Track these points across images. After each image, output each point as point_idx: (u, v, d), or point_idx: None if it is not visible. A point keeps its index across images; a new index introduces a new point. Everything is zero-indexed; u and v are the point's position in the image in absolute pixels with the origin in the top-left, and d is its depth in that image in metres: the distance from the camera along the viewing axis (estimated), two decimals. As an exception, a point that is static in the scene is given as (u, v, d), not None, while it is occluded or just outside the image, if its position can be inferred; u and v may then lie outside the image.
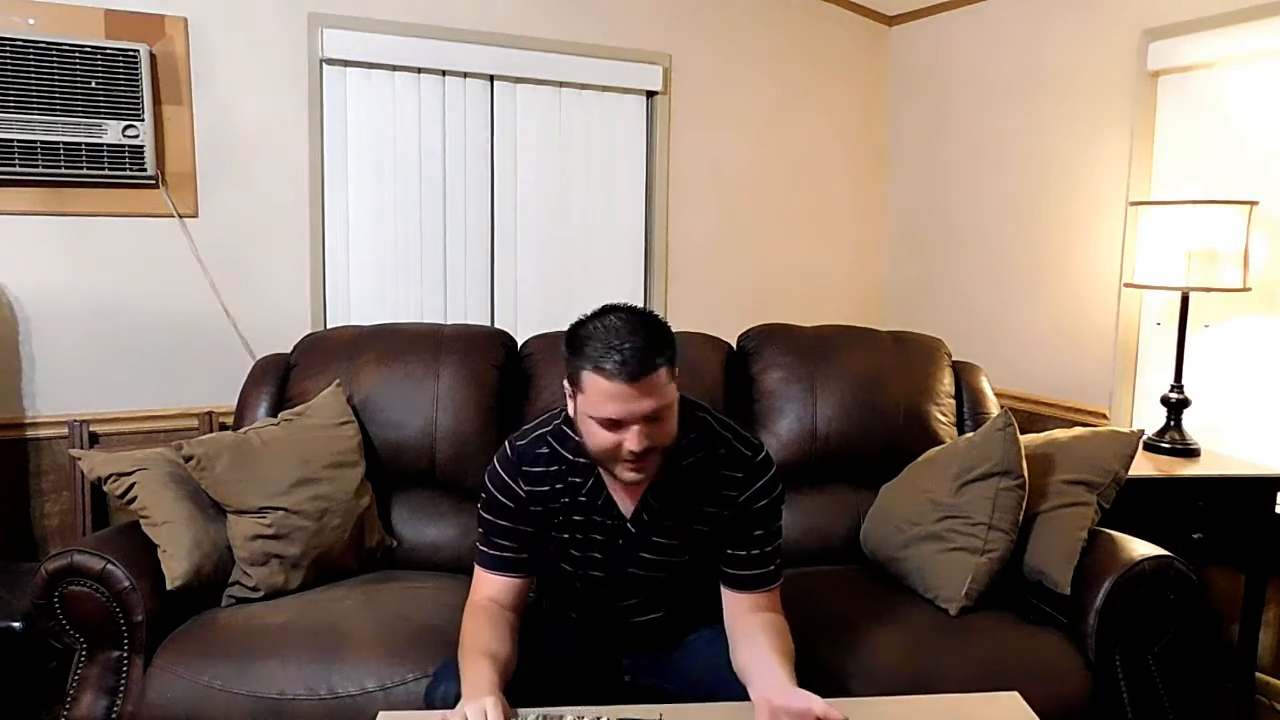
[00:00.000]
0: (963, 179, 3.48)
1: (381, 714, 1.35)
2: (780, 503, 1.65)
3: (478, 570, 1.64)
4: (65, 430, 2.68)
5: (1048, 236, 3.15)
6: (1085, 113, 3.01)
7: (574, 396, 1.50)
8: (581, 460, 1.58)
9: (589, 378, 1.43)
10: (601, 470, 1.58)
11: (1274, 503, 2.48)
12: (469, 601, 1.61)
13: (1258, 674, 2.62)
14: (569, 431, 1.59)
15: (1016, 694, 1.39)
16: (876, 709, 1.41)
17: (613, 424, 1.44)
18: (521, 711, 1.37)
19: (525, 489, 1.60)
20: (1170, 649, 1.95)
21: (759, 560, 1.62)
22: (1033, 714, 1.35)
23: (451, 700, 1.42)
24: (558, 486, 1.60)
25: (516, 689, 1.43)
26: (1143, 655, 1.93)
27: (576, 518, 1.61)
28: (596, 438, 1.47)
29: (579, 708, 1.41)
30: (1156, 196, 2.83)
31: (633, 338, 1.42)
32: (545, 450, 1.61)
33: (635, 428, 1.43)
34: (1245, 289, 2.51)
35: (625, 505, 1.61)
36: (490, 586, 1.61)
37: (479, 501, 1.65)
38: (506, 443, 1.65)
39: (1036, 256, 3.19)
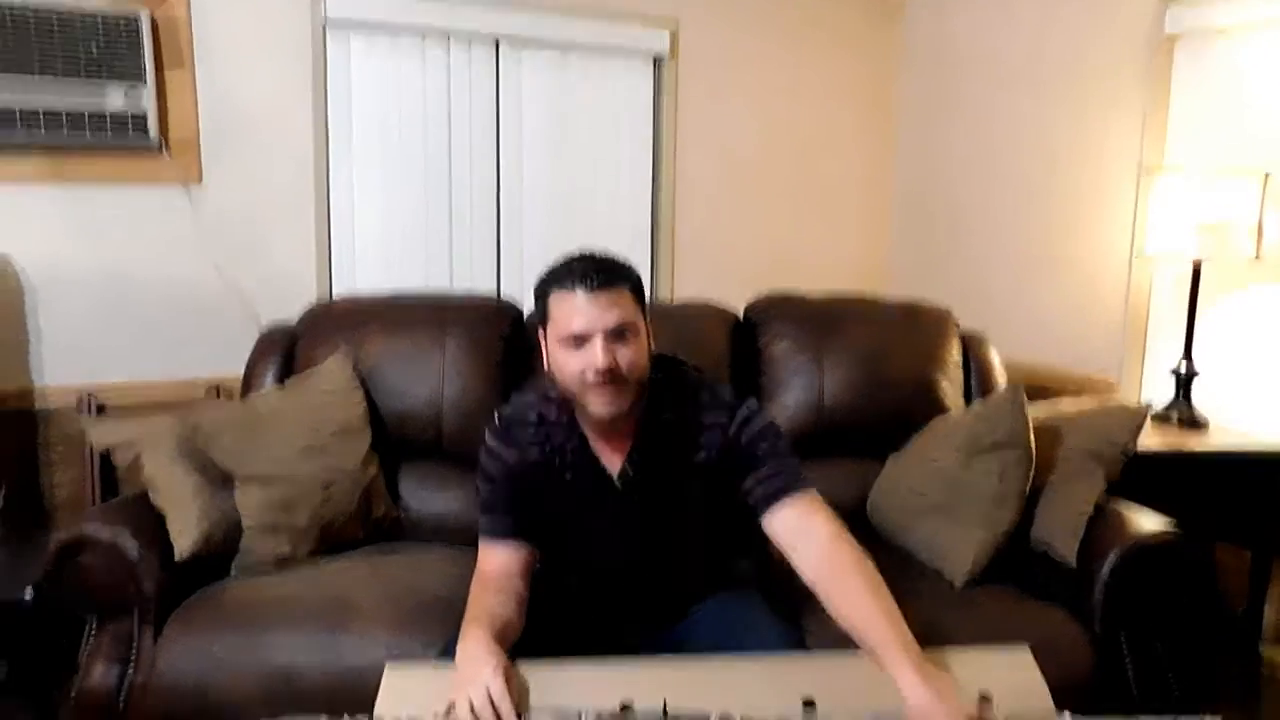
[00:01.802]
0: (972, 147, 3.44)
1: (388, 666, 1.36)
2: (775, 426, 1.63)
3: (481, 543, 1.65)
4: (73, 401, 2.69)
5: (1058, 206, 3.11)
6: (1099, 79, 2.96)
7: (544, 338, 1.55)
8: (565, 419, 1.60)
9: (555, 299, 1.50)
10: (584, 426, 1.59)
11: (1281, 476, 2.47)
12: (475, 575, 1.62)
13: (1262, 648, 2.63)
14: (552, 393, 1.62)
15: (1026, 647, 1.40)
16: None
17: (579, 341, 1.47)
18: (528, 669, 1.37)
19: (516, 455, 1.62)
20: (1175, 623, 1.96)
21: (779, 472, 1.57)
22: (1038, 670, 1.36)
23: None
24: (547, 450, 1.62)
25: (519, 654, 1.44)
26: (1148, 629, 1.93)
27: (566, 478, 1.63)
28: (567, 365, 1.49)
29: (588, 664, 1.42)
30: (1170, 165, 2.79)
31: (593, 260, 1.51)
32: (532, 415, 1.63)
33: (599, 341, 1.45)
34: (1258, 259, 2.48)
35: (611, 463, 1.61)
36: (494, 558, 1.63)
37: (477, 477, 1.67)
38: (495, 413, 1.68)
39: (1047, 226, 3.16)
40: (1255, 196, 2.46)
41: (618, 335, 1.47)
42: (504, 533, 1.63)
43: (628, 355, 1.48)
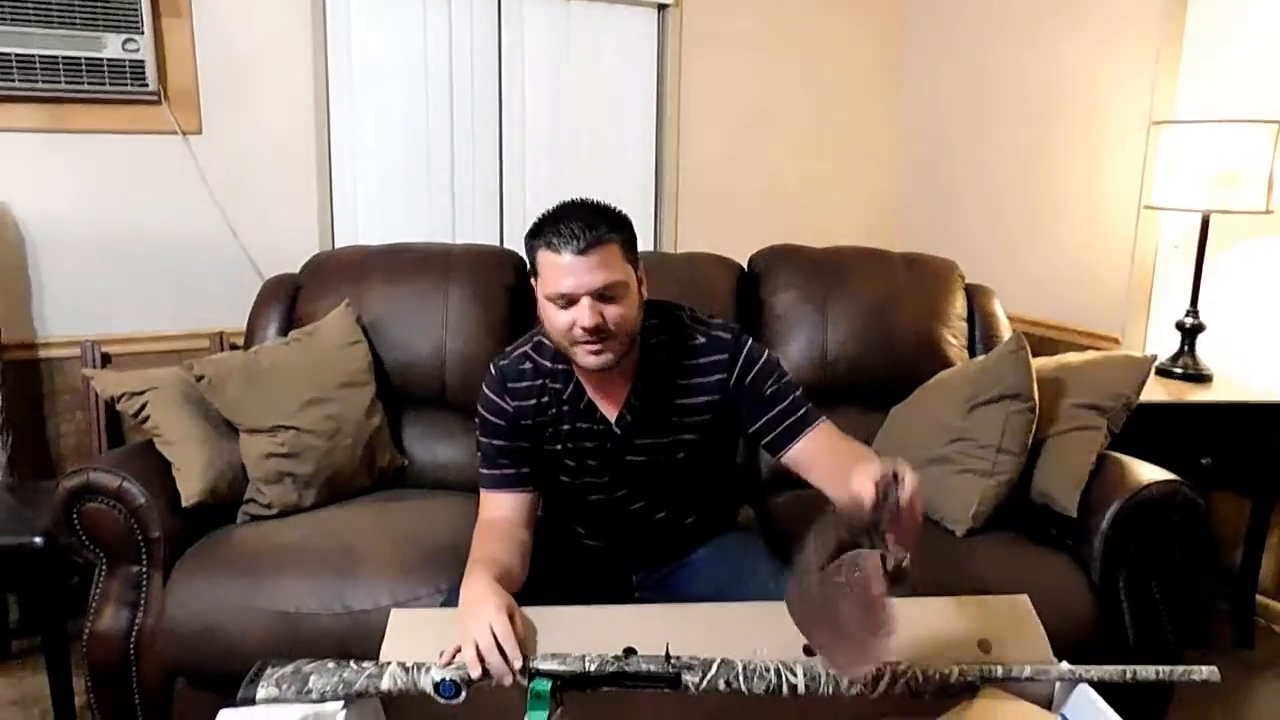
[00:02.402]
0: (980, 98, 3.39)
1: (394, 610, 1.38)
2: (776, 360, 1.64)
3: (483, 494, 1.66)
4: (77, 351, 2.69)
5: (1066, 157, 3.08)
6: (1110, 28, 2.91)
7: (536, 288, 1.53)
8: (560, 367, 1.60)
9: (542, 257, 1.48)
10: (579, 374, 1.59)
11: (1285, 428, 2.48)
12: (477, 526, 1.62)
13: (1259, 597, 2.65)
14: (546, 341, 1.61)
15: (1025, 597, 1.41)
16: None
17: (566, 301, 1.46)
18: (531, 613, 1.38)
19: (513, 404, 1.62)
20: (1173, 571, 1.97)
21: (790, 411, 1.59)
22: (1037, 619, 1.37)
23: None
24: (543, 400, 1.62)
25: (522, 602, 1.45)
26: (1146, 577, 1.95)
27: (564, 427, 1.63)
28: (555, 321, 1.49)
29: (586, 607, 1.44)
30: (1181, 115, 2.75)
31: (581, 215, 1.47)
32: (528, 365, 1.64)
33: (586, 301, 1.45)
34: (1268, 212, 2.46)
35: (608, 409, 1.62)
36: (496, 507, 1.63)
37: (476, 429, 1.68)
38: (491, 365, 1.68)
39: (1054, 177, 3.13)
40: (1267, 148, 2.43)
41: (605, 295, 1.46)
42: (504, 483, 1.64)
43: (615, 312, 1.47)
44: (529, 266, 1.55)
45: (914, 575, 1.14)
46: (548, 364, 1.62)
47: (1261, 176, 2.43)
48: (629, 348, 1.53)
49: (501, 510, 1.63)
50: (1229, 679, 1.44)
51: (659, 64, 3.40)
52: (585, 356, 1.50)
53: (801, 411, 1.58)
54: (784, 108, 3.59)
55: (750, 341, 1.64)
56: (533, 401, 1.62)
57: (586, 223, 1.45)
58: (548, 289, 1.48)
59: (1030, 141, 3.21)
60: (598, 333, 1.46)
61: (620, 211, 1.53)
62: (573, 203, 1.51)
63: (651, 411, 1.61)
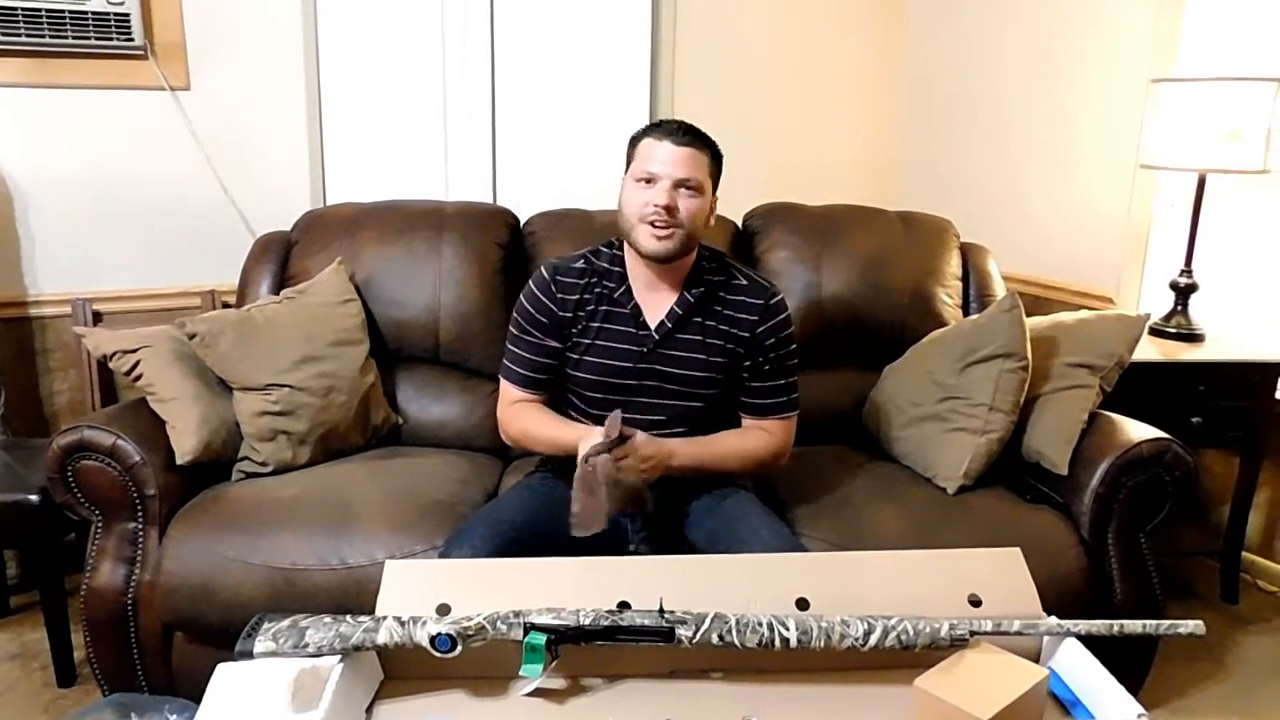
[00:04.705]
0: (979, 55, 3.35)
1: (389, 563, 1.39)
2: (792, 341, 1.83)
3: (505, 385, 1.85)
4: (69, 309, 2.68)
5: (1064, 115, 3.05)
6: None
7: (626, 173, 1.72)
8: (616, 269, 1.77)
9: (643, 144, 1.69)
10: (631, 277, 1.75)
11: (1274, 388, 2.48)
12: (505, 409, 1.84)
13: (1245, 553, 2.68)
14: (604, 248, 1.80)
15: (1016, 550, 1.42)
16: (877, 561, 1.45)
17: (648, 181, 1.66)
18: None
19: (557, 296, 1.77)
20: (1161, 527, 1.99)
21: (771, 391, 1.81)
22: (1027, 572, 1.38)
23: None
24: (586, 296, 1.77)
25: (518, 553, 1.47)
26: (1135, 534, 1.97)
27: (598, 324, 1.76)
28: (632, 199, 1.68)
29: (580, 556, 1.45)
30: (1181, 73, 2.73)
31: (687, 125, 1.71)
32: (581, 263, 1.80)
33: (666, 183, 1.65)
34: (1264, 171, 2.45)
35: (652, 315, 1.75)
36: (518, 397, 1.83)
37: (511, 322, 1.84)
38: (542, 265, 1.83)
39: (1051, 135, 3.10)
40: (1267, 104, 2.40)
41: (684, 184, 1.65)
42: (522, 382, 1.82)
43: (688, 205, 1.66)
44: (627, 157, 1.74)
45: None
46: (604, 265, 1.78)
47: (1260, 136, 2.41)
48: (686, 248, 1.70)
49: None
50: (1214, 633, 1.46)
51: (654, 18, 3.34)
52: (648, 239, 1.66)
53: (778, 401, 1.82)
54: (781, 66, 3.54)
55: (787, 310, 1.80)
56: (576, 295, 1.76)
57: (689, 130, 1.69)
58: (638, 169, 1.68)
59: (1028, 99, 3.18)
60: (668, 213, 1.64)
61: (717, 144, 1.75)
62: (681, 120, 1.73)
63: (689, 326, 1.74)
